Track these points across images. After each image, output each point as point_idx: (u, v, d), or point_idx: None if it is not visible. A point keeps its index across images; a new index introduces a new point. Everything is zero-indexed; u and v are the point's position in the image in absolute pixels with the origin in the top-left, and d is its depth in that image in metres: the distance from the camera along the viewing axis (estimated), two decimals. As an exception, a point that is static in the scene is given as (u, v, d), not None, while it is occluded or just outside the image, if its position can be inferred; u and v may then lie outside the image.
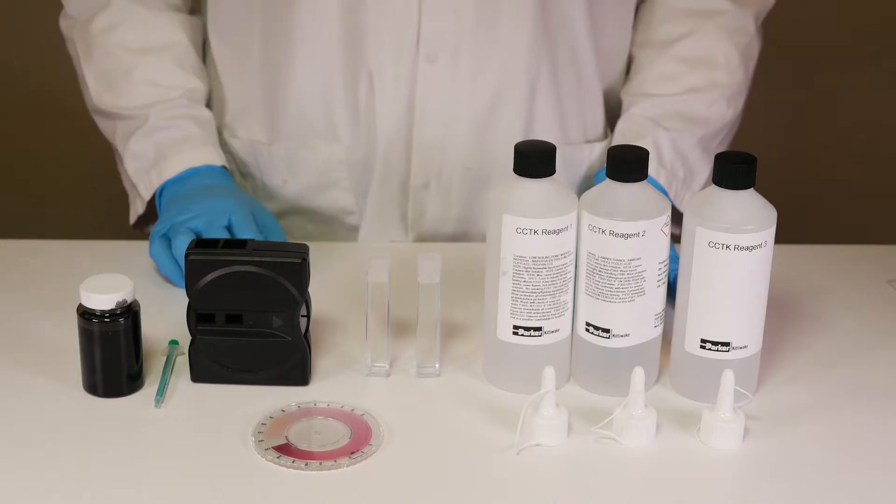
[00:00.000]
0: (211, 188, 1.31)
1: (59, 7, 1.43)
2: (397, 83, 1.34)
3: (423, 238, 1.43)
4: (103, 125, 1.42)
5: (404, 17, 1.32)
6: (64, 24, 1.42)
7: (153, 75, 1.37)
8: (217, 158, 1.36)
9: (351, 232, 1.43)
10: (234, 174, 1.43)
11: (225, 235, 1.24)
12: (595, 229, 1.05)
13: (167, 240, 1.25)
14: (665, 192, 1.33)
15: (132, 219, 1.42)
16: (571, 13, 1.36)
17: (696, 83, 1.39)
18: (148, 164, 1.36)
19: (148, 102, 1.36)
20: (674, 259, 1.13)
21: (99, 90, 1.39)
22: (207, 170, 1.34)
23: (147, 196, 1.36)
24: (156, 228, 1.28)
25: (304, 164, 1.39)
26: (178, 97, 1.37)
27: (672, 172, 1.35)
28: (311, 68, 1.36)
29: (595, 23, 1.38)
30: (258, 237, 1.26)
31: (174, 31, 1.38)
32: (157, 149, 1.35)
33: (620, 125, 1.39)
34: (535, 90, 1.37)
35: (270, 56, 1.38)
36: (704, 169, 1.38)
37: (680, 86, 1.39)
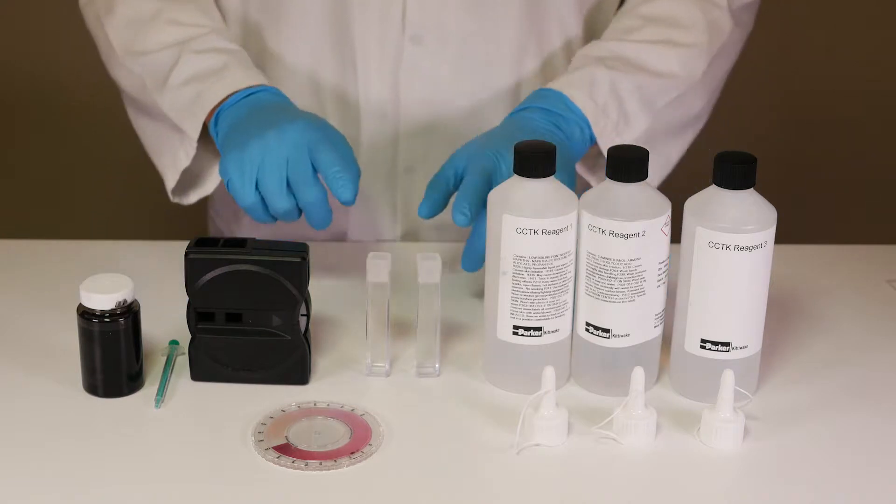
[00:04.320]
0: (284, 104, 1.23)
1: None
2: (382, 64, 1.34)
3: (411, 227, 1.42)
4: (129, 86, 1.33)
5: None
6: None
7: (180, 16, 1.31)
8: (262, 79, 1.27)
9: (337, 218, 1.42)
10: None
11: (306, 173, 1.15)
12: (595, 229, 1.05)
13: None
14: (588, 127, 1.27)
15: (170, 183, 1.32)
16: None
17: (651, 37, 1.34)
18: (189, 100, 1.27)
19: (176, 41, 1.29)
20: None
21: (124, 41, 1.32)
22: (262, 89, 1.26)
23: (195, 134, 1.27)
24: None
25: None
26: (207, 33, 1.30)
27: (603, 111, 1.29)
28: (298, 49, 1.36)
29: (584, 6, 1.38)
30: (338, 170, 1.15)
31: None
32: (196, 82, 1.27)
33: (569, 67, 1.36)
34: (522, 74, 1.37)
35: (252, 39, 1.37)
36: (641, 122, 1.31)
37: (634, 37, 1.34)
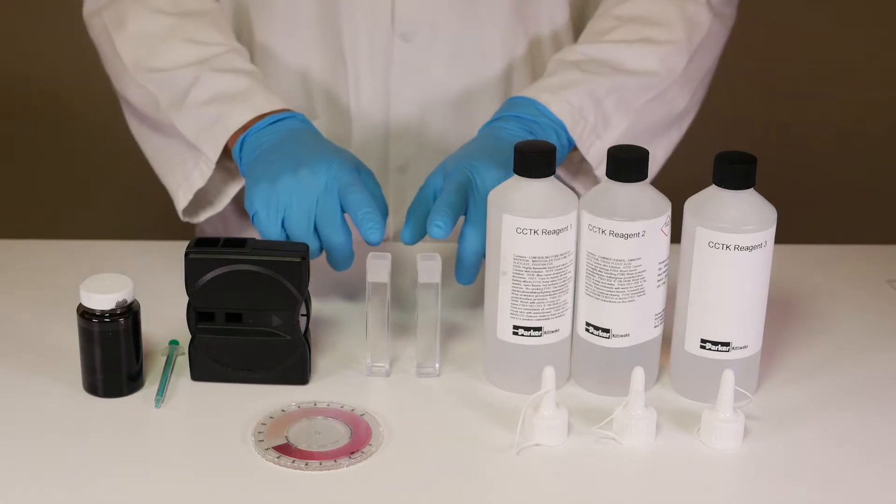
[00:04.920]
0: (313, 135, 1.23)
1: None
2: (373, 62, 1.34)
3: (403, 225, 1.42)
4: (140, 102, 1.32)
5: None
6: (88, 9, 1.37)
7: (195, 34, 1.30)
8: (283, 103, 1.26)
9: None
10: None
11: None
12: (595, 229, 1.05)
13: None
14: (565, 131, 1.26)
15: (182, 202, 1.30)
16: None
17: (626, 36, 1.33)
18: (209, 121, 1.25)
19: (195, 60, 1.28)
20: None
21: (136, 58, 1.31)
22: (289, 115, 1.25)
23: (214, 156, 1.26)
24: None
25: None
26: (224, 52, 1.30)
27: (580, 113, 1.28)
28: (289, 46, 1.36)
29: (573, 8, 1.38)
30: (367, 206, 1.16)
31: (205, 1, 1.34)
32: (216, 104, 1.26)
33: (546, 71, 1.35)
34: (512, 72, 1.37)
35: (245, 36, 1.38)
36: (620, 122, 1.30)
37: (609, 38, 1.33)
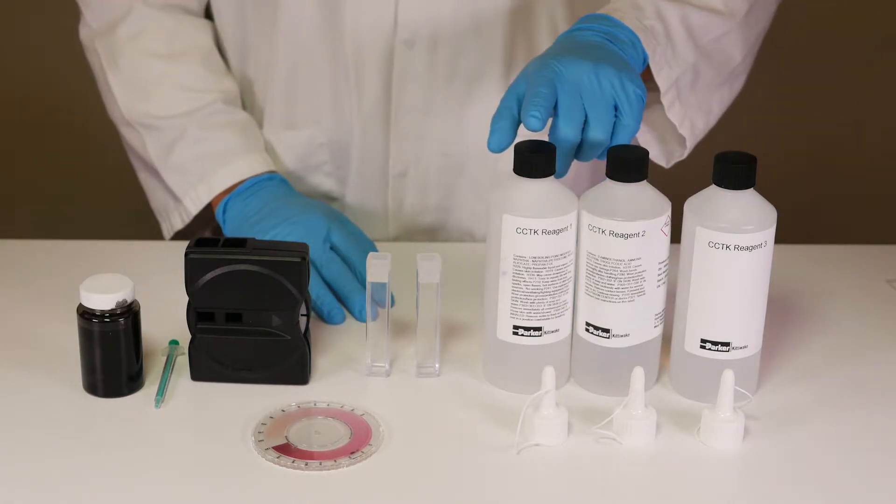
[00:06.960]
0: (289, 198, 1.32)
1: (71, 17, 1.42)
2: (375, 68, 1.34)
3: (402, 231, 1.43)
4: (129, 137, 1.39)
5: (383, 1, 1.32)
6: (83, 33, 1.40)
7: (186, 80, 1.36)
8: (265, 164, 1.35)
9: None
10: None
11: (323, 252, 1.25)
12: (595, 229, 1.05)
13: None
14: (640, 44, 1.20)
15: (168, 234, 1.42)
16: (550, 3, 1.35)
17: None
18: (193, 179, 1.35)
19: (184, 111, 1.35)
20: None
21: (128, 100, 1.37)
22: (267, 179, 1.34)
23: (194, 211, 1.36)
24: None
25: (285, 147, 1.40)
26: (213, 101, 1.36)
27: (651, 33, 1.22)
28: (293, 52, 1.36)
29: (575, 14, 1.38)
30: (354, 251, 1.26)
31: (197, 34, 1.38)
32: (201, 162, 1.34)
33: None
34: (512, 78, 1.37)
35: (248, 45, 1.39)
36: (688, 53, 1.25)
37: None
